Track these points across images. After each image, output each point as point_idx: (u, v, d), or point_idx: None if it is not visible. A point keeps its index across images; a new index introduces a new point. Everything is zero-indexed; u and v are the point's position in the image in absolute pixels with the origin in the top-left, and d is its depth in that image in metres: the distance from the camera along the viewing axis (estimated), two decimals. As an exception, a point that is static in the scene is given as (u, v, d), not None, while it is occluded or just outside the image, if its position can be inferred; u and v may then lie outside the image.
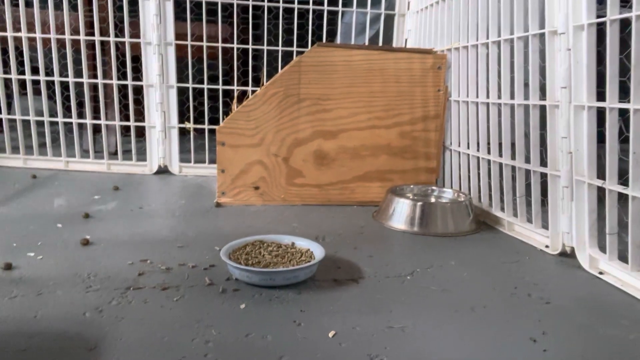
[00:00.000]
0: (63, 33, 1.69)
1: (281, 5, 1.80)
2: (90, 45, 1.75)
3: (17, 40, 1.71)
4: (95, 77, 1.77)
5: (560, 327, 0.77)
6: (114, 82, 1.75)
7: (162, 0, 1.67)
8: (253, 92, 1.69)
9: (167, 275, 0.90)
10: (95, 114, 1.84)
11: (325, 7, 1.84)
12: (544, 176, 1.12)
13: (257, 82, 1.86)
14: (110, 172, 1.76)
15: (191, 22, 1.75)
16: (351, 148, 1.47)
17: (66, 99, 1.74)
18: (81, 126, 1.80)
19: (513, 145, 1.22)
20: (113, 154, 1.85)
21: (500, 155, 1.26)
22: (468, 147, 1.40)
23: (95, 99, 1.82)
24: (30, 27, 1.70)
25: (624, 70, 0.89)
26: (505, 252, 1.10)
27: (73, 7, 1.71)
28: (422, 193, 1.43)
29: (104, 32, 1.74)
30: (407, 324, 0.76)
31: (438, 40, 1.56)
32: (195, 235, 1.13)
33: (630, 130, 0.87)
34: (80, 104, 1.77)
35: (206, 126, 1.81)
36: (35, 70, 1.73)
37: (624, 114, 0.90)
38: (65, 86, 1.75)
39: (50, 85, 1.74)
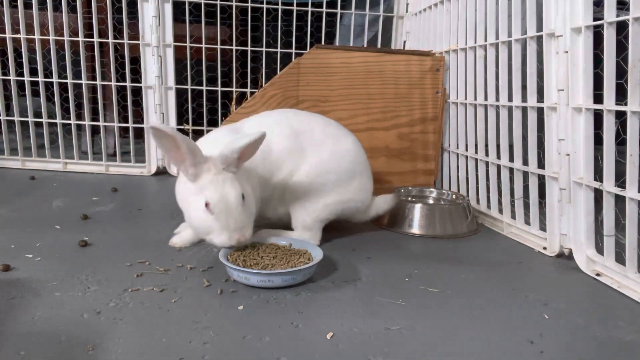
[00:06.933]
0: (62, 35, 1.69)
1: (280, 7, 1.81)
2: (89, 47, 1.75)
3: (16, 42, 1.72)
4: (94, 78, 1.77)
5: (558, 328, 0.77)
6: (113, 83, 1.75)
7: (161, 2, 1.68)
8: (252, 93, 1.69)
9: (165, 276, 0.90)
10: (94, 116, 1.84)
11: (324, 9, 1.84)
12: (541, 178, 1.12)
13: (255, 83, 1.87)
14: (109, 174, 1.76)
15: (190, 24, 1.75)
16: (349, 150, 1.47)
17: (65, 100, 1.74)
18: (80, 127, 1.80)
19: (511, 147, 1.22)
20: (112, 156, 1.85)
21: (499, 157, 1.27)
22: (466, 149, 1.41)
23: (93, 101, 1.82)
24: (29, 29, 1.70)
25: (621, 72, 0.89)
26: (503, 254, 1.10)
27: (72, 9, 1.71)
28: (421, 195, 1.43)
29: (102, 33, 1.74)
30: (405, 326, 0.76)
31: (436, 42, 1.56)
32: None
33: (627, 133, 0.87)
34: (79, 106, 1.77)
35: (205, 127, 1.81)
36: (33, 72, 1.73)
37: (620, 117, 0.90)
38: (63, 87, 1.75)
39: (48, 86, 1.74)
